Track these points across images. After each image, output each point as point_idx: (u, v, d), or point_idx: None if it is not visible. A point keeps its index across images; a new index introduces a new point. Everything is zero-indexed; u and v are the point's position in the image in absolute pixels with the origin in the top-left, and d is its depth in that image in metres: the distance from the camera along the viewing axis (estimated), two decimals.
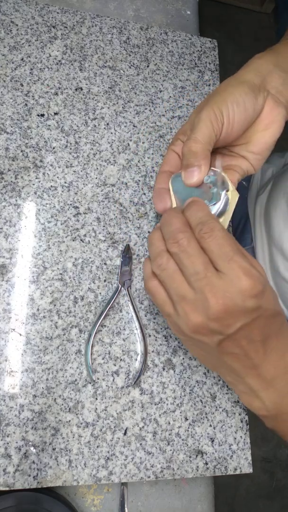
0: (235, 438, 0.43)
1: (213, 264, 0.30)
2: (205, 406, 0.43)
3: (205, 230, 0.31)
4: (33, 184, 0.46)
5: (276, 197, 0.60)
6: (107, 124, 0.50)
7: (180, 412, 0.43)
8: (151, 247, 0.34)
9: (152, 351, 0.44)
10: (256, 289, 0.29)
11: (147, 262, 0.35)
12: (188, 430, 0.42)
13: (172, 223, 0.33)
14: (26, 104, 0.48)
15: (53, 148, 0.48)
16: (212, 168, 0.35)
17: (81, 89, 0.51)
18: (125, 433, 0.41)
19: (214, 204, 0.34)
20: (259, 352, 0.32)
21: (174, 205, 0.37)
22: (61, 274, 0.43)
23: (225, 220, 0.35)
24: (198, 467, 0.42)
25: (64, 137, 0.48)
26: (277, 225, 0.58)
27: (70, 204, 0.46)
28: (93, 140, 0.49)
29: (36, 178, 0.46)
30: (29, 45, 0.51)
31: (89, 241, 0.45)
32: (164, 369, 0.43)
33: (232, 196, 0.35)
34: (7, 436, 0.38)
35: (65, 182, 0.47)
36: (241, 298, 0.29)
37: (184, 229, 0.32)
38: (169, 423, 0.42)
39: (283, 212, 0.57)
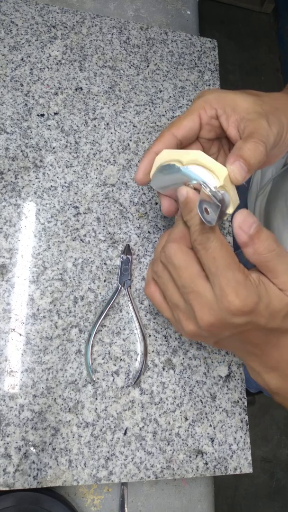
0: (235, 438, 0.43)
1: (206, 275, 0.30)
2: (205, 406, 0.43)
3: (199, 241, 0.30)
4: (33, 184, 0.46)
5: (275, 198, 0.60)
6: (107, 124, 0.51)
7: (180, 412, 0.43)
8: (154, 252, 0.34)
9: (152, 351, 0.44)
10: (246, 307, 0.28)
11: (149, 265, 0.35)
12: (188, 430, 0.42)
13: (169, 232, 0.32)
14: (26, 104, 0.48)
15: (53, 148, 0.48)
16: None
17: (81, 89, 0.51)
18: (125, 433, 0.41)
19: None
20: (258, 347, 0.32)
21: (152, 174, 0.36)
22: (61, 274, 0.43)
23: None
24: (198, 467, 0.42)
25: (64, 137, 0.48)
26: (276, 226, 0.58)
27: (70, 204, 0.46)
28: (93, 140, 0.49)
29: (36, 178, 0.46)
30: (29, 45, 0.51)
31: (89, 241, 0.45)
32: (164, 369, 0.43)
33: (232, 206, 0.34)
34: (7, 436, 0.38)
35: (65, 182, 0.47)
36: (228, 315, 0.28)
37: (175, 239, 0.31)
38: (169, 423, 0.42)
39: (282, 213, 0.57)
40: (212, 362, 0.45)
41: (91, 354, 0.41)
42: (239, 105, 0.36)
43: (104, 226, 0.46)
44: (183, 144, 0.38)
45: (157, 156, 0.36)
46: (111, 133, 0.50)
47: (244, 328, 0.30)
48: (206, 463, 0.42)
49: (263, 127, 0.34)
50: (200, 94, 0.38)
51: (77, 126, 0.49)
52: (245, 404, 0.45)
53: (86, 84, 0.52)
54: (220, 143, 0.41)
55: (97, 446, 0.40)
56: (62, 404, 0.40)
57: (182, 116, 0.37)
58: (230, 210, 0.33)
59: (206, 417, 0.43)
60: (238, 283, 0.28)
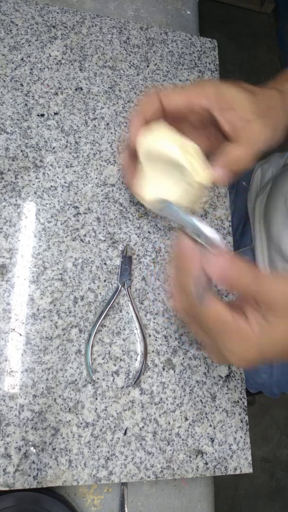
0: (235, 438, 0.43)
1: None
2: (205, 406, 0.43)
3: (202, 301, 0.31)
4: (33, 184, 0.46)
5: (275, 198, 0.60)
6: (107, 124, 0.50)
7: (180, 412, 0.43)
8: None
9: (152, 351, 0.44)
10: (248, 360, 0.30)
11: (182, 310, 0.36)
12: (188, 430, 0.42)
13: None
14: (26, 104, 0.48)
15: (53, 148, 0.48)
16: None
17: (81, 89, 0.51)
18: (125, 433, 0.41)
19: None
20: None
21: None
22: (61, 274, 0.43)
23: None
24: (198, 467, 0.42)
25: (64, 137, 0.48)
26: (276, 226, 0.58)
27: (70, 204, 0.46)
28: (93, 140, 0.49)
29: (36, 178, 0.46)
30: (29, 45, 0.51)
31: (89, 241, 0.45)
32: (164, 369, 0.43)
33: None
34: (7, 436, 0.38)
35: (65, 182, 0.47)
36: (234, 361, 0.31)
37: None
38: (169, 423, 0.42)
39: (282, 213, 0.57)
40: (212, 362, 0.45)
41: (91, 354, 0.41)
42: (237, 103, 0.37)
43: (104, 226, 0.46)
44: (167, 118, 0.39)
45: (153, 133, 0.38)
46: (111, 133, 0.50)
47: (254, 364, 0.32)
48: (206, 463, 0.42)
49: (257, 131, 0.36)
50: (199, 83, 0.39)
51: (77, 126, 0.49)
52: (245, 404, 0.45)
53: (86, 84, 0.52)
54: (206, 127, 0.42)
55: (97, 446, 0.40)
56: (62, 404, 0.40)
57: (176, 91, 0.38)
58: (204, 181, 0.36)
59: (206, 417, 0.43)
60: (233, 346, 0.31)
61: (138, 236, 0.47)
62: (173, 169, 0.38)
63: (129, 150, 0.40)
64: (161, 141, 0.38)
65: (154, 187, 0.41)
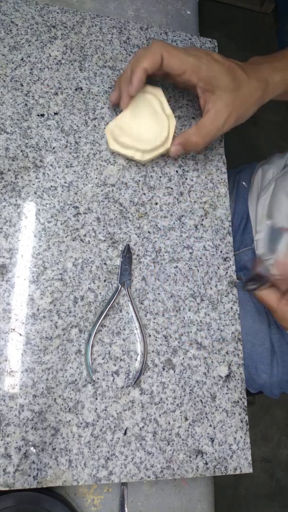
0: (235, 438, 0.43)
1: None
2: (205, 406, 0.43)
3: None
4: (33, 184, 0.46)
5: (279, 198, 0.60)
6: (107, 124, 0.50)
7: (180, 412, 0.43)
8: None
9: (152, 351, 0.44)
10: None
11: None
12: (188, 430, 0.42)
13: None
14: (26, 104, 0.48)
15: (53, 148, 0.48)
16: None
17: (81, 89, 0.51)
18: (125, 433, 0.41)
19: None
20: None
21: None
22: (61, 274, 0.43)
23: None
24: (198, 467, 0.42)
25: (64, 137, 0.48)
26: (280, 225, 0.58)
27: (70, 204, 0.46)
28: (93, 140, 0.49)
29: (36, 178, 0.46)
30: (29, 45, 0.51)
31: (89, 241, 0.45)
32: (164, 369, 0.43)
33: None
34: (7, 436, 0.38)
35: (65, 182, 0.47)
36: None
37: None
38: (169, 423, 0.42)
39: (287, 212, 0.57)
40: (212, 362, 0.45)
41: (91, 354, 0.41)
42: (220, 94, 0.44)
43: (104, 226, 0.46)
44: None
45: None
46: None
47: None
48: (206, 463, 0.42)
49: (217, 124, 0.45)
50: (198, 55, 0.44)
51: (77, 126, 0.49)
52: (245, 404, 0.45)
53: (86, 84, 0.52)
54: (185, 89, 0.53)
55: (97, 446, 0.40)
56: (62, 404, 0.40)
57: (176, 54, 0.43)
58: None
59: (206, 417, 0.43)
60: None
61: (138, 236, 0.47)
62: (149, 111, 0.48)
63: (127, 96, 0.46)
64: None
65: (135, 122, 0.48)
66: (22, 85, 0.49)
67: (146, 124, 0.48)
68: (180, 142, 0.47)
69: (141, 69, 0.43)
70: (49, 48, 0.52)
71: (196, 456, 0.42)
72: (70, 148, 0.48)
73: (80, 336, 0.42)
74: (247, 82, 0.45)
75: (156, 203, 0.49)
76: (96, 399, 0.41)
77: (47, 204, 0.45)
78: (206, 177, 0.52)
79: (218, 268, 0.48)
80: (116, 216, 0.47)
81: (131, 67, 0.44)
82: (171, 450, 0.41)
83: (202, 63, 0.43)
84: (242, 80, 0.44)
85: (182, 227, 0.49)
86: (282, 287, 0.45)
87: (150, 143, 0.48)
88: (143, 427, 0.41)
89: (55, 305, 0.42)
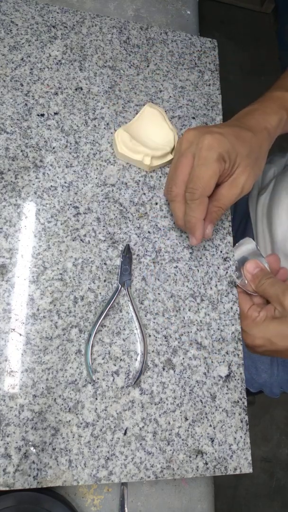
0: (235, 438, 0.43)
1: None
2: (205, 406, 0.43)
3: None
4: (33, 184, 0.46)
5: (279, 197, 0.60)
6: (107, 124, 0.50)
7: (180, 412, 0.43)
8: None
9: (152, 351, 0.44)
10: (255, 344, 0.46)
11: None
12: (188, 430, 0.42)
13: None
14: (26, 104, 0.48)
15: (53, 148, 0.48)
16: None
17: (81, 89, 0.51)
18: (125, 433, 0.41)
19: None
20: None
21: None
22: (61, 274, 0.43)
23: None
24: (198, 467, 0.42)
25: (64, 137, 0.48)
26: (280, 224, 0.58)
27: (70, 204, 0.46)
28: (93, 140, 0.49)
29: (36, 178, 0.46)
30: (29, 45, 0.51)
31: (89, 241, 0.45)
32: (164, 369, 0.43)
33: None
34: (7, 436, 0.38)
35: (65, 182, 0.47)
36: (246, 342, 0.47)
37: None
38: (169, 423, 0.42)
39: (287, 212, 0.57)
40: (212, 362, 0.45)
41: (91, 354, 0.41)
42: (239, 156, 0.43)
43: (104, 226, 0.46)
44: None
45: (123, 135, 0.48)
46: (111, 133, 0.50)
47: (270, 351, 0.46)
48: (206, 463, 0.42)
49: (232, 195, 0.44)
50: (211, 147, 0.42)
51: (77, 126, 0.49)
52: (245, 404, 0.45)
53: (86, 84, 0.52)
54: None
55: (97, 446, 0.40)
56: (62, 404, 0.40)
57: (209, 178, 0.42)
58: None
59: (206, 417, 0.43)
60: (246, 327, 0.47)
61: (138, 236, 0.47)
62: (155, 123, 0.50)
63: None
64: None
65: (142, 132, 0.50)
66: (22, 85, 0.49)
67: (154, 132, 0.50)
68: (211, 221, 0.45)
69: (200, 222, 0.43)
70: (49, 48, 0.52)
71: (196, 456, 0.42)
72: (70, 148, 0.48)
73: (80, 336, 0.42)
74: (256, 139, 0.45)
75: (156, 203, 0.49)
76: (96, 399, 0.41)
77: (47, 204, 0.45)
78: None
79: (218, 268, 0.48)
80: (116, 216, 0.47)
81: (189, 217, 0.44)
82: (171, 450, 0.41)
83: (221, 145, 0.42)
84: (251, 141, 0.44)
85: None
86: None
87: (159, 150, 0.48)
88: (143, 427, 0.41)
89: (55, 305, 0.42)
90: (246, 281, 0.49)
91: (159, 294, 0.45)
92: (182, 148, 0.44)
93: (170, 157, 0.49)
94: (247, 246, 0.51)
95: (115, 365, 0.42)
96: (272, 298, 0.46)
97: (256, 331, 0.45)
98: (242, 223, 0.72)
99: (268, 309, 0.46)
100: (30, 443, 0.38)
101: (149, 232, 0.47)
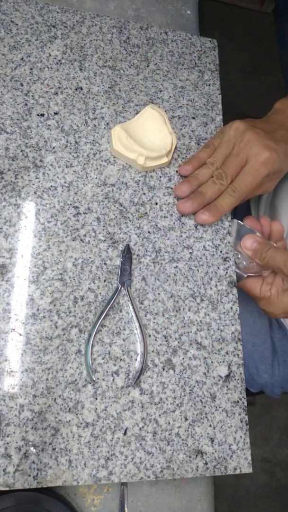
0: (235, 438, 0.43)
1: None
2: (205, 406, 0.43)
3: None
4: (33, 184, 0.46)
5: (282, 194, 0.60)
6: (107, 124, 0.50)
7: (180, 412, 0.43)
8: None
9: (152, 351, 0.44)
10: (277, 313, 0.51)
11: None
12: (188, 430, 0.42)
13: None
14: (26, 104, 0.48)
15: (53, 148, 0.48)
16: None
17: (81, 89, 0.51)
18: (125, 433, 0.41)
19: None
20: None
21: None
22: (61, 274, 0.43)
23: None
24: (198, 467, 0.42)
25: (64, 137, 0.48)
26: (284, 222, 0.58)
27: (70, 204, 0.46)
28: (93, 140, 0.49)
29: (36, 178, 0.46)
30: (29, 45, 0.51)
31: (89, 241, 0.45)
32: (164, 369, 0.43)
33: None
34: (7, 436, 0.38)
35: (65, 182, 0.47)
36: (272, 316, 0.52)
37: None
38: (169, 423, 0.42)
39: None
40: (212, 362, 0.45)
41: (91, 354, 0.41)
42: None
43: (104, 226, 0.46)
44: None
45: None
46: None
47: None
48: (206, 463, 0.42)
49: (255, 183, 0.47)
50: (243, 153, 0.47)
51: (77, 126, 0.49)
52: (245, 404, 0.45)
53: (86, 84, 0.52)
54: None
55: (97, 446, 0.40)
56: (62, 404, 0.40)
57: (252, 188, 0.48)
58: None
59: (206, 417, 0.43)
60: None
61: (138, 236, 0.47)
62: (155, 124, 0.50)
63: None
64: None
65: (139, 131, 0.50)
66: (22, 84, 0.49)
67: (152, 134, 0.50)
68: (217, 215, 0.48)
69: (224, 213, 0.48)
70: (49, 47, 0.52)
71: (196, 456, 0.42)
72: (70, 148, 0.48)
73: (80, 336, 0.42)
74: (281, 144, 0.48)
75: (156, 203, 0.49)
76: (96, 399, 0.41)
77: (47, 204, 0.45)
78: None
79: (218, 268, 0.48)
80: (116, 216, 0.47)
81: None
82: (171, 450, 0.41)
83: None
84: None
85: (182, 227, 0.49)
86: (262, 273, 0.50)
87: (155, 152, 0.48)
88: (143, 427, 0.41)
89: (55, 305, 0.42)
90: (244, 263, 0.49)
91: (159, 294, 0.45)
92: (231, 135, 0.48)
93: (165, 159, 0.49)
94: (233, 228, 0.51)
95: (115, 365, 0.42)
96: (277, 270, 0.47)
97: (273, 308, 0.49)
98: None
99: (277, 284, 0.49)
100: (30, 443, 0.38)
101: (149, 232, 0.47)
